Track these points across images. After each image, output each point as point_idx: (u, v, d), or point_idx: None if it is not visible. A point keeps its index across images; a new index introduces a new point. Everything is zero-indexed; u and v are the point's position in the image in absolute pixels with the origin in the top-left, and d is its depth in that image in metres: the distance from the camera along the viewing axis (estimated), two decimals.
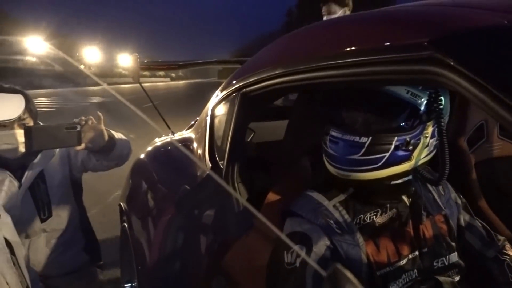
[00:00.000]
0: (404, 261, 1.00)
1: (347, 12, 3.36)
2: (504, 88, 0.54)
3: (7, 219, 1.24)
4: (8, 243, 1.17)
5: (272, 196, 1.15)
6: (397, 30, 0.71)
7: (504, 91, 0.53)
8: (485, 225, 1.16)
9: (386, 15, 0.82)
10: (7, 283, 1.10)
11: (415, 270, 1.01)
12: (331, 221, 1.00)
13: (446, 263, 1.04)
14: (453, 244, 1.08)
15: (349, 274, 0.36)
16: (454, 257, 1.06)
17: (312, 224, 1.00)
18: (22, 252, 1.27)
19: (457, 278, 1.05)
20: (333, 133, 0.98)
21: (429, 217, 1.05)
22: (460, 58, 0.59)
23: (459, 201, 1.15)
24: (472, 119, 1.47)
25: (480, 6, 0.66)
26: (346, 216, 1.01)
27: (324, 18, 3.44)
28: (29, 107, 1.72)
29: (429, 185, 1.11)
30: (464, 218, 1.14)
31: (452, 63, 0.59)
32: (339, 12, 3.34)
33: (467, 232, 1.13)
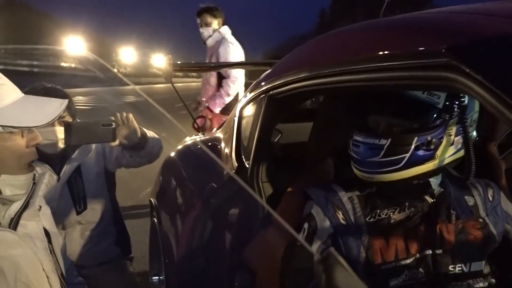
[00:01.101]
0: (411, 260, 1.01)
1: (221, 23, 3.70)
2: None
3: (47, 210, 1.32)
4: (47, 233, 1.25)
5: (291, 190, 1.19)
6: (416, 37, 0.73)
7: None
8: None
9: (405, 22, 0.84)
10: (43, 269, 1.18)
11: (421, 270, 1.01)
12: (340, 212, 1.04)
13: (466, 270, 1.02)
14: (484, 253, 1.05)
15: (342, 260, 0.38)
16: (478, 265, 1.04)
17: (321, 209, 1.05)
18: (59, 241, 1.35)
19: (480, 285, 1.03)
20: (356, 137, 1.01)
21: (454, 221, 1.03)
22: (475, 65, 0.61)
23: (510, 209, 1.12)
24: (503, 124, 1.44)
25: (497, 14, 0.67)
26: (358, 209, 1.04)
27: (200, 29, 3.73)
28: (69, 105, 1.82)
29: (473, 190, 1.10)
30: None
31: (467, 70, 0.61)
32: (214, 23, 3.66)
33: None
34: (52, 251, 1.24)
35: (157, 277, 2.20)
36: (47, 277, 1.17)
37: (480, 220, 1.06)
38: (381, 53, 0.79)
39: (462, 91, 0.64)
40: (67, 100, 1.22)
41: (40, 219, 1.23)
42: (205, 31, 3.70)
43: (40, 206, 1.25)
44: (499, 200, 1.11)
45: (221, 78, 3.62)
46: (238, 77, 3.58)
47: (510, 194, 1.36)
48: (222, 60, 3.57)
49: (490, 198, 1.10)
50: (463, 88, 0.63)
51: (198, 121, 2.60)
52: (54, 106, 1.14)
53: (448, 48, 0.65)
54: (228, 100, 3.59)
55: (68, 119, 1.81)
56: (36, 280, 1.14)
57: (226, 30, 3.71)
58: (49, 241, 1.25)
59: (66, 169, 1.86)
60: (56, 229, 1.37)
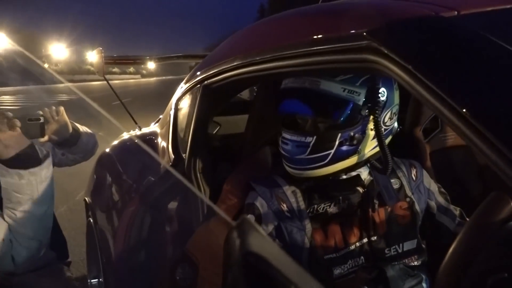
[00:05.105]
0: (351, 248, 1.05)
1: None
2: (429, 73, 0.59)
3: None
4: None
5: (231, 179, 1.19)
6: (340, 22, 0.76)
7: (428, 75, 0.58)
8: (459, 208, 1.18)
9: (331, 8, 0.87)
10: None
11: (362, 257, 1.05)
12: (284, 205, 1.06)
13: (400, 251, 1.08)
14: (414, 231, 1.11)
15: (256, 226, 0.39)
16: (411, 244, 1.09)
17: (266, 202, 1.06)
18: None
19: (415, 263, 1.09)
20: (284, 134, 1.04)
21: (384, 206, 1.09)
22: (393, 47, 0.64)
23: (433, 187, 1.18)
24: (427, 110, 1.53)
25: None
26: (301, 203, 1.06)
27: None
28: None
29: (398, 171, 1.15)
30: (438, 201, 1.17)
31: (386, 51, 0.64)
32: None
33: (442, 215, 1.16)
34: None
35: (96, 279, 2.11)
36: None
37: (408, 199, 1.13)
38: (308, 38, 0.81)
39: (382, 73, 0.67)
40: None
41: None
42: None
43: None
44: (422, 178, 1.18)
45: None
46: None
47: (435, 175, 1.46)
48: None
49: (414, 178, 1.17)
50: (383, 69, 0.66)
51: None
52: None
53: (369, 31, 0.68)
54: None
55: None
56: None
57: None
58: None
59: None
60: None
